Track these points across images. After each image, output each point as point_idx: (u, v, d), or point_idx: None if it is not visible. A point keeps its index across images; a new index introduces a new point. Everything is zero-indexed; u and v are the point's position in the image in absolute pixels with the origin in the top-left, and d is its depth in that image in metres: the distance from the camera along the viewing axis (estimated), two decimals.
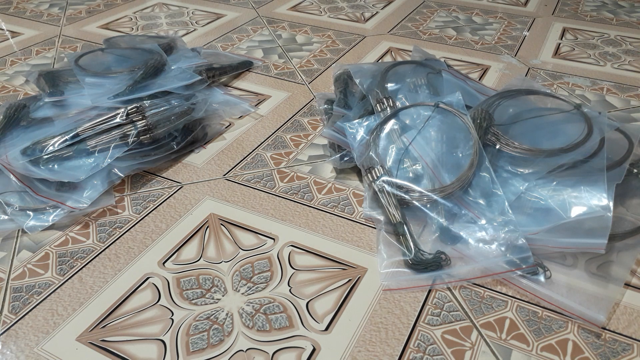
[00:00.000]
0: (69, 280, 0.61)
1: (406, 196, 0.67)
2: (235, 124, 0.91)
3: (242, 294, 0.59)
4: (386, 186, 0.68)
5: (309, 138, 0.87)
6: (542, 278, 0.60)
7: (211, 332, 0.55)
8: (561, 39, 1.25)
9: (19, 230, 0.68)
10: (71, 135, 0.73)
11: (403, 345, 0.54)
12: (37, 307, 0.58)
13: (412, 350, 0.53)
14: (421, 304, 0.58)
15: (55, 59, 1.15)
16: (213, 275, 0.62)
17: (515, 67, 1.11)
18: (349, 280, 0.61)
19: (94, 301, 0.59)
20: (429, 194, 0.66)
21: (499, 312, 0.58)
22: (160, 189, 0.76)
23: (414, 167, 0.71)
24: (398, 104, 0.78)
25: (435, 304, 0.58)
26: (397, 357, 0.53)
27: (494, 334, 0.55)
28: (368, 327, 0.56)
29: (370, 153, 0.72)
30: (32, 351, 0.53)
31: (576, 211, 0.63)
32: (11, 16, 1.38)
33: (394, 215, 0.66)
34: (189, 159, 0.82)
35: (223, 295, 0.59)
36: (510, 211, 0.64)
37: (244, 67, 1.08)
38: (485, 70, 1.09)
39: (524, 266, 0.60)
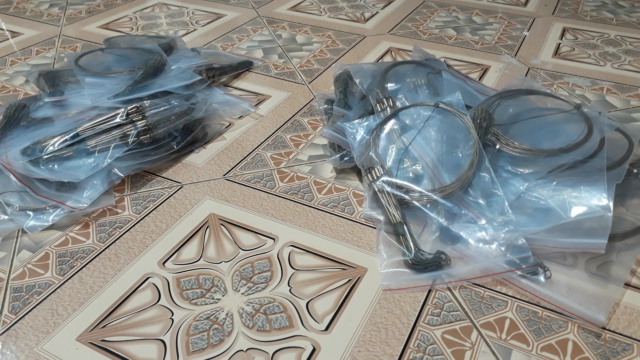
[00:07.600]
0: (69, 280, 0.61)
1: (406, 196, 0.67)
2: (235, 124, 0.91)
3: (242, 294, 0.59)
4: (386, 186, 0.68)
5: (309, 138, 0.87)
6: (542, 278, 0.60)
7: (211, 332, 0.55)
8: (561, 39, 1.25)
9: (19, 230, 0.68)
10: (71, 135, 0.73)
11: (403, 345, 0.54)
12: (37, 307, 0.58)
13: (412, 350, 0.53)
14: (421, 304, 0.58)
15: (55, 59, 1.15)
16: (213, 275, 0.62)
17: (515, 67, 1.11)
18: (349, 280, 0.61)
19: (94, 301, 0.59)
20: (429, 194, 0.66)
21: (499, 312, 0.58)
22: (160, 189, 0.76)
23: (414, 167, 0.71)
24: (398, 104, 0.78)
25: (435, 304, 0.58)
26: (397, 357, 0.53)
27: (494, 334, 0.55)
28: (368, 327, 0.56)
29: (370, 153, 0.72)
30: (32, 351, 0.53)
31: (576, 211, 0.62)
32: (11, 16, 1.38)
33: (394, 215, 0.66)
34: (189, 159, 0.82)
35: (223, 295, 0.59)
36: (510, 211, 0.64)
37: (244, 67, 1.08)
38: (485, 70, 1.09)
39: (524, 266, 0.60)
